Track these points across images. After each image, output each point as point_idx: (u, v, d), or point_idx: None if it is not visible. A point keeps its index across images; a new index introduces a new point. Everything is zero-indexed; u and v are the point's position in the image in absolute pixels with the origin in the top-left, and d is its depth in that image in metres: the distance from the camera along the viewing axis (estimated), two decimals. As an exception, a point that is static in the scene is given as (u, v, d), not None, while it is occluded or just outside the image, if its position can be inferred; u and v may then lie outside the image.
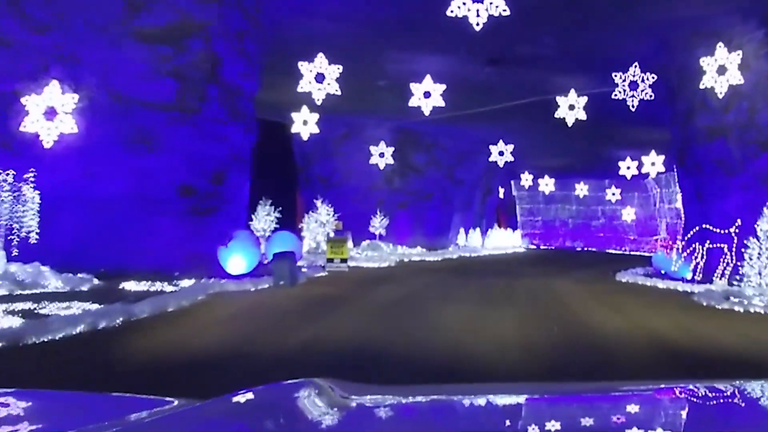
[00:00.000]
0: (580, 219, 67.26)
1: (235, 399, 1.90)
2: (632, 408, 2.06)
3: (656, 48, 23.93)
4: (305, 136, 32.46)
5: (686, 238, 21.08)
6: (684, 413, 2.01)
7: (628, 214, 62.64)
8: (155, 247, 17.38)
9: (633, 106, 23.60)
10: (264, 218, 32.09)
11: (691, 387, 2.30)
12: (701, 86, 20.88)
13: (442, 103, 27.21)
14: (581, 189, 60.32)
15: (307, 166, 44.36)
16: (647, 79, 23.34)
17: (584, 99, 27.93)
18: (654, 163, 40.42)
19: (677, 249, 21.47)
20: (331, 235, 33.51)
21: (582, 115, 27.92)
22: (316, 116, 32.21)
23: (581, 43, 24.67)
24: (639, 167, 42.71)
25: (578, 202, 65.83)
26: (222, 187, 19.10)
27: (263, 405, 1.92)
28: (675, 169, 28.34)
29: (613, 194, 58.72)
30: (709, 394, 2.18)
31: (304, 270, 22.50)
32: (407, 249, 41.89)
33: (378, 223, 40.96)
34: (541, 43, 25.29)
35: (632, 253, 56.56)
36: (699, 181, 23.42)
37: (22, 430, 1.86)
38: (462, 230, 49.21)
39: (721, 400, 2.12)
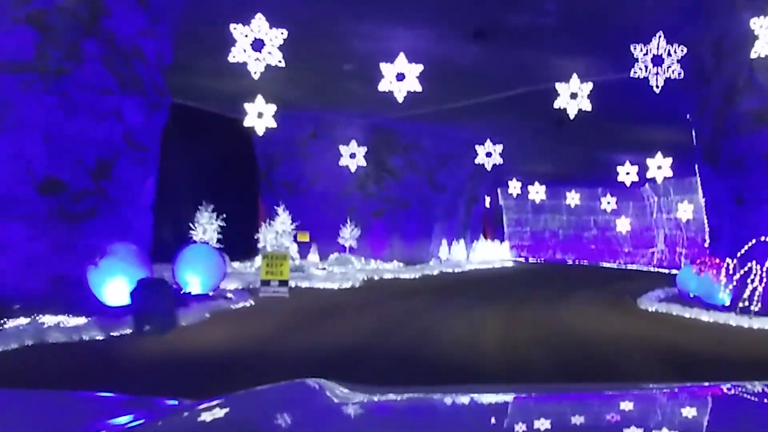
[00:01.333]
0: (571, 230, 62.65)
1: (231, 400, 1.89)
2: (632, 409, 2.02)
3: (686, 13, 18.99)
4: (260, 131, 27.81)
5: (738, 255, 15.89)
6: (684, 414, 1.99)
7: (623, 225, 58.08)
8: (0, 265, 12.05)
9: (657, 87, 18.74)
10: (207, 227, 27.13)
11: (691, 387, 2.34)
12: (753, 55, 16.03)
13: (418, 88, 22.57)
14: (572, 198, 55.92)
15: (270, 168, 39.17)
16: (675, 51, 18.47)
17: (589, 86, 23.38)
18: (660, 166, 35.61)
19: (726, 269, 16.26)
20: (286, 248, 28.39)
21: (586, 105, 23.47)
22: (272, 108, 27.65)
23: (590, 7, 19.70)
24: (640, 172, 37.98)
25: (569, 211, 61.25)
26: (108, 182, 13.66)
27: (260, 405, 1.89)
28: (697, 170, 23.32)
29: (608, 203, 54.63)
30: (709, 395, 2.20)
31: (228, 296, 17.20)
32: (381, 263, 36.82)
33: (348, 234, 35.91)
34: (540, 9, 20.29)
35: (628, 267, 51.98)
36: (739, 182, 18.49)
37: (22, 430, 1.84)
38: (444, 242, 44.20)
39: (721, 401, 2.10)
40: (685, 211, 47.17)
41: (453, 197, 46.09)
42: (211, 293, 16.85)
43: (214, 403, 1.87)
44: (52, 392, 2.60)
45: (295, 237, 31.65)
